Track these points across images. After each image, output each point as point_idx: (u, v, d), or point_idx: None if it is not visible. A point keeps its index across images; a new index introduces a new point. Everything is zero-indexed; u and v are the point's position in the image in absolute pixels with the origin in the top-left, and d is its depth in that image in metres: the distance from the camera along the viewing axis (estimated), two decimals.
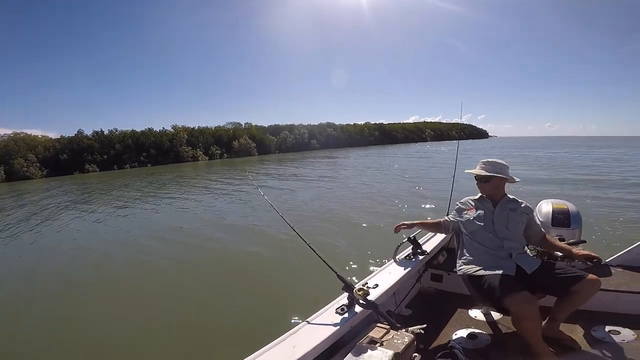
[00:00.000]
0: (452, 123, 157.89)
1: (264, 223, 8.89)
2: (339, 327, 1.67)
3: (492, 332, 2.24)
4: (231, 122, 79.88)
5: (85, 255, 7.86)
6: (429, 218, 2.66)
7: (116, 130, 61.39)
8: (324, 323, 1.71)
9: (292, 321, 1.57)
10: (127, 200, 16.76)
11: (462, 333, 2.24)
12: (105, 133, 60.04)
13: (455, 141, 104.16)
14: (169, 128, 66.05)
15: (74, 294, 5.60)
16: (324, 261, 1.93)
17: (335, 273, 1.86)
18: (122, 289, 5.61)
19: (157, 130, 64.43)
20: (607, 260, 2.94)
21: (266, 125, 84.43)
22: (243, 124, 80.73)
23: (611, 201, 9.90)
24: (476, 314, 2.49)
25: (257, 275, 5.69)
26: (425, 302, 2.74)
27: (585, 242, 2.71)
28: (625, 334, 2.14)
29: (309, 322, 1.73)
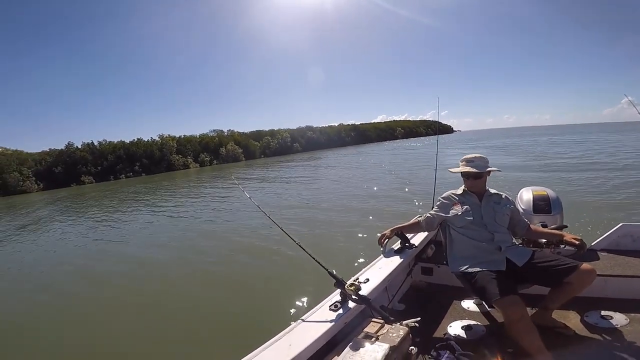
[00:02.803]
0: (419, 120, 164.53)
1: (254, 225, 8.80)
2: (333, 323, 1.66)
3: (487, 323, 2.19)
4: (214, 130, 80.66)
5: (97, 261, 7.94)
6: (416, 218, 2.60)
7: (106, 142, 60.76)
8: (318, 320, 1.69)
9: (287, 320, 1.55)
10: (128, 208, 17.07)
11: (457, 325, 2.19)
12: (96, 145, 59.31)
13: (423, 137, 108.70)
14: (155, 137, 65.89)
15: (80, 300, 5.64)
16: (314, 259, 1.91)
17: (326, 270, 1.84)
18: (120, 290, 5.78)
19: (147, 140, 64.20)
20: (592, 244, 2.89)
21: (247, 131, 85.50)
22: (225, 131, 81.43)
23: (582, 185, 10.28)
24: (469, 305, 2.44)
25: (249, 276, 5.67)
26: (418, 296, 2.67)
27: (567, 226, 2.71)
28: (617, 319, 2.10)
29: (303, 320, 1.70)
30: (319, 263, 1.91)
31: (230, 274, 5.96)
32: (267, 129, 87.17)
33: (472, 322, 2.21)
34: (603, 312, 2.17)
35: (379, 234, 2.47)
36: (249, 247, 7.19)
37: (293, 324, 1.68)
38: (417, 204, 9.45)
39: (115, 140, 61.80)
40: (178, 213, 13.42)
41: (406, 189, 12.38)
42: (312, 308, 1.83)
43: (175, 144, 65.15)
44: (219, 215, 11.47)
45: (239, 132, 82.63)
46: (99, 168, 54.72)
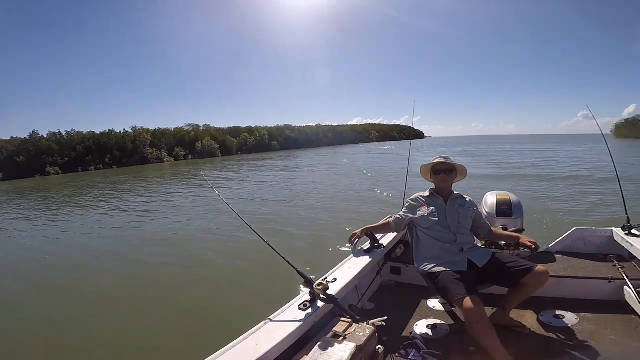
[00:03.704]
0: (393, 125, 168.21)
1: (223, 223, 8.56)
2: (302, 323, 1.64)
3: (451, 322, 2.21)
4: (190, 124, 78.25)
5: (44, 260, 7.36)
6: (386, 219, 2.61)
7: (74, 131, 57.59)
8: (286, 320, 1.66)
9: (255, 320, 1.57)
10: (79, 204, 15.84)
11: (423, 324, 2.22)
12: (63, 134, 56.07)
13: (397, 141, 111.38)
14: (128, 129, 63.20)
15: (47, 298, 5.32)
16: (283, 258, 1.88)
17: (295, 269, 1.82)
18: (79, 290, 5.40)
19: (119, 132, 61.45)
20: (548, 247, 3.01)
21: (225, 127, 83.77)
22: (202, 126, 79.45)
23: (541, 191, 10.82)
24: (435, 304, 2.47)
25: (216, 276, 5.49)
26: (387, 295, 2.69)
27: (524, 230, 2.79)
28: (569, 318, 2.18)
29: (271, 320, 1.67)
30: (287, 262, 1.88)
31: (196, 273, 5.72)
32: (244, 126, 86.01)
33: (438, 321, 2.25)
34: (557, 312, 2.25)
35: (350, 234, 2.47)
36: (216, 246, 6.95)
37: (261, 323, 1.65)
38: (388, 205, 9.46)
39: (85, 131, 58.83)
40: (145, 209, 12.65)
41: (378, 190, 12.58)
42: (281, 308, 1.80)
43: (150, 136, 62.79)
44: (187, 213, 11.06)
45: (215, 128, 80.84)
46: (66, 159, 51.76)
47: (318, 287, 1.75)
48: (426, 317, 2.33)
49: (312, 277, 1.83)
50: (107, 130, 60.61)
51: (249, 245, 6.19)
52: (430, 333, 2.13)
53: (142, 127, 64.53)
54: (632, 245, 2.57)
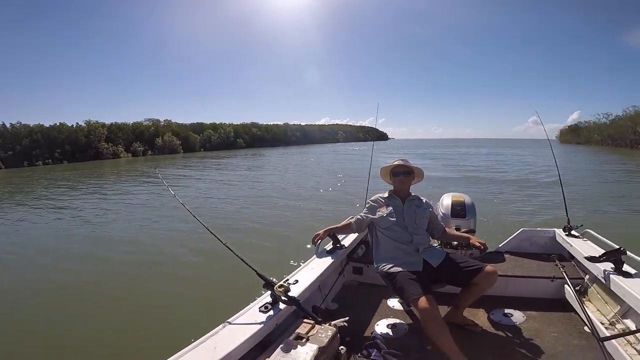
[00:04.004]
0: (359, 126, 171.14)
1: (179, 225, 8.03)
2: (263, 325, 1.60)
3: (410, 321, 2.24)
4: (149, 119, 74.57)
5: None
6: (348, 219, 2.61)
7: (20, 124, 52.77)
8: (247, 322, 1.62)
9: (213, 324, 1.51)
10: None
11: (383, 323, 2.23)
12: (7, 127, 51.19)
13: (362, 142, 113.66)
14: (81, 124, 59.00)
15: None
16: (242, 260, 1.83)
17: (255, 271, 1.79)
18: (28, 296, 5.00)
19: (71, 126, 57.14)
20: (498, 247, 3.11)
21: (188, 123, 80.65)
22: (162, 121, 75.88)
23: (494, 193, 11.18)
24: (394, 303, 2.50)
25: (171, 280, 5.16)
26: (350, 295, 2.69)
27: (474, 231, 2.88)
28: (517, 316, 2.26)
29: (230, 323, 1.62)
30: (246, 264, 1.83)
31: (146, 277, 5.39)
32: (208, 122, 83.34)
33: (397, 321, 2.28)
34: (506, 310, 2.34)
35: (314, 235, 2.44)
36: (170, 248, 6.59)
37: (219, 326, 1.59)
38: (351, 205, 9.39)
39: (32, 123, 54.06)
40: (94, 208, 11.62)
41: (342, 190, 12.69)
42: (240, 310, 1.75)
43: (106, 131, 59.09)
44: (139, 213, 10.45)
45: (177, 123, 77.52)
46: (10, 153, 47.32)
47: (279, 289, 1.72)
48: (387, 316, 2.35)
49: (272, 279, 1.79)
50: (58, 124, 56.24)
51: (208, 248, 5.91)
52: (390, 332, 2.15)
53: (97, 121, 60.76)
54: (571, 245, 2.69)
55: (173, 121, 77.02)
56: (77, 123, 58.33)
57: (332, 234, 2.56)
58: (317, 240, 2.43)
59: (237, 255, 1.85)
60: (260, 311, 1.72)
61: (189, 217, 2.24)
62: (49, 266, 6.13)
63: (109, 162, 48.84)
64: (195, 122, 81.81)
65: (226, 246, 1.90)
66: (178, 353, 1.40)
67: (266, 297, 1.82)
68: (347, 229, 2.54)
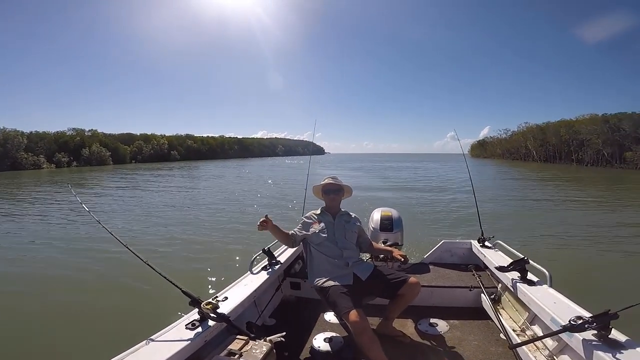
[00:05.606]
0: (297, 140, 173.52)
1: (96, 242, 7.24)
2: (190, 342, 1.51)
3: (346, 334, 2.23)
4: (73, 128, 66.52)
5: None
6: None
7: None
8: (171, 339, 1.52)
9: (133, 342, 1.41)
10: None
11: (321, 337, 2.20)
12: None
13: (300, 156, 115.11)
14: None
15: None
16: (165, 277, 1.70)
17: (180, 289, 1.68)
18: None
19: None
20: (423, 258, 3.15)
21: (117, 133, 73.59)
22: (87, 131, 68.18)
23: (420, 206, 11.42)
24: (330, 317, 2.47)
25: (86, 300, 4.68)
26: (288, 310, 2.63)
27: (399, 244, 2.94)
28: (441, 325, 2.30)
29: (153, 340, 1.51)
30: (170, 281, 1.69)
31: (57, 298, 4.80)
32: (139, 133, 76.95)
33: (334, 334, 2.25)
34: (431, 320, 2.36)
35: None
36: (85, 266, 5.91)
37: (141, 343, 1.47)
38: (290, 220, 9.19)
39: None
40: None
41: (279, 205, 12.36)
42: (164, 327, 1.63)
43: (25, 139, 51.99)
44: (52, 229, 9.27)
45: (104, 133, 70.28)
46: None
47: (206, 307, 1.64)
48: (324, 330, 2.33)
49: (198, 296, 1.69)
50: None
51: (130, 267, 5.34)
52: (327, 346, 2.12)
53: (14, 130, 52.70)
54: (485, 256, 2.78)
55: (99, 131, 69.82)
56: None
57: (268, 251, 2.54)
58: (264, 224, 2.15)
59: (159, 273, 1.71)
60: (187, 328, 1.61)
61: (108, 235, 1.97)
62: None
63: (29, 172, 42.81)
64: (124, 132, 75.16)
65: (147, 264, 1.74)
66: None
67: (193, 315, 1.71)
68: (287, 238, 2.33)
